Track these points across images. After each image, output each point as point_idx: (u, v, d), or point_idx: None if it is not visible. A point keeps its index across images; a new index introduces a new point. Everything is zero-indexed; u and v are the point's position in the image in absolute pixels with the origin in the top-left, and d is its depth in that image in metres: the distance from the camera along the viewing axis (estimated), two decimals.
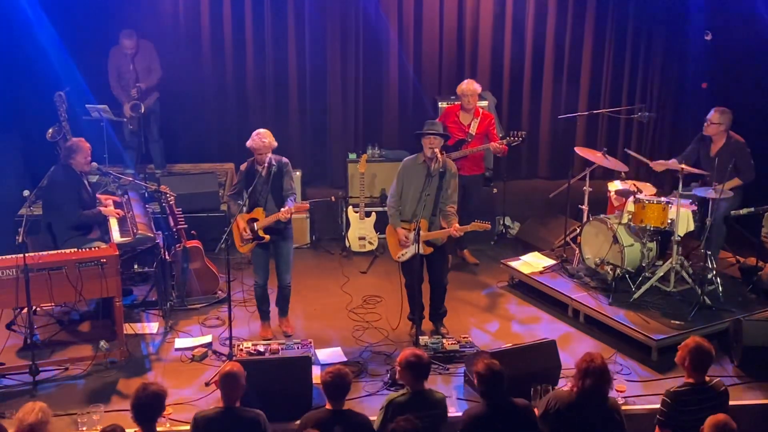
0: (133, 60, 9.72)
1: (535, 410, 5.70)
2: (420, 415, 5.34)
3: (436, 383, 6.86)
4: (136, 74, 9.72)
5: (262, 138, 7.28)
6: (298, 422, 5.72)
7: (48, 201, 7.82)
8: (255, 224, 7.39)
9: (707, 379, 5.71)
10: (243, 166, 7.49)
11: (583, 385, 5.41)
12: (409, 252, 7.40)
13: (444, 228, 7.40)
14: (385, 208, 7.95)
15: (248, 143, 7.35)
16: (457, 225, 7.31)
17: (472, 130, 8.82)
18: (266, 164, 7.34)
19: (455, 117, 8.90)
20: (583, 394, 5.42)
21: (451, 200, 7.45)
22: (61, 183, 7.69)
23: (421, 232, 7.27)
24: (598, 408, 5.47)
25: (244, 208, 7.40)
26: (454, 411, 6.42)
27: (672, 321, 7.57)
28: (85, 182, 7.92)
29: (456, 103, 9.16)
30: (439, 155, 7.34)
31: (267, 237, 7.40)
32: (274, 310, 7.85)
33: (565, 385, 6.72)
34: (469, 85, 8.83)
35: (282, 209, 7.29)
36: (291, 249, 7.67)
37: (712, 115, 8.35)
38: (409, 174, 7.50)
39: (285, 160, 7.50)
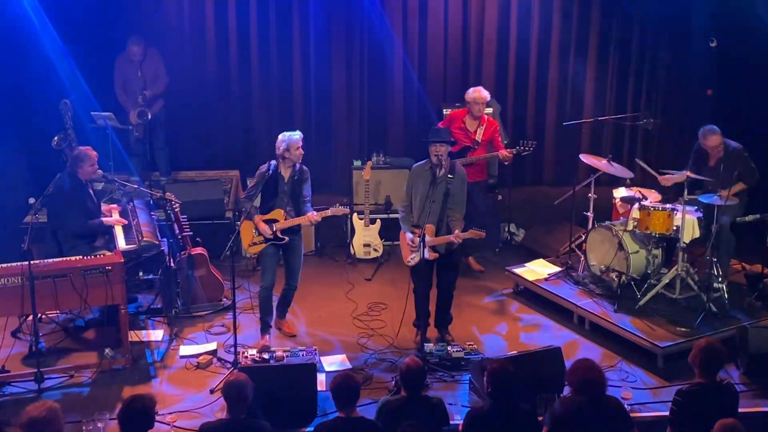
0: (141, 66, 9.74)
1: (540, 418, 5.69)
2: (416, 420, 5.36)
3: (441, 391, 6.86)
4: (143, 81, 9.73)
5: (293, 134, 7.43)
6: (303, 430, 5.71)
7: (53, 209, 7.82)
8: (275, 225, 7.45)
9: (718, 379, 5.72)
10: (263, 168, 7.54)
11: (576, 388, 5.46)
12: (416, 257, 7.42)
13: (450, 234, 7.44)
14: (390, 215, 7.96)
15: (282, 147, 7.41)
16: (459, 232, 7.32)
17: (478, 137, 8.81)
18: (291, 169, 7.46)
19: (461, 123, 8.89)
20: (581, 395, 5.45)
21: (459, 206, 7.46)
22: (66, 192, 7.70)
23: (428, 238, 7.30)
24: (599, 406, 5.47)
25: (257, 210, 7.51)
26: (459, 419, 6.41)
27: (678, 328, 7.55)
28: (91, 191, 7.93)
29: (462, 108, 9.14)
30: (444, 162, 7.37)
31: (286, 238, 7.50)
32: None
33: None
34: (479, 93, 8.80)
35: (312, 213, 7.47)
36: (302, 249, 7.80)
37: (712, 139, 8.27)
38: (417, 180, 7.53)
39: (305, 167, 7.59)
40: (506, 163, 9.03)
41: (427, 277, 7.47)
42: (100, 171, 7.96)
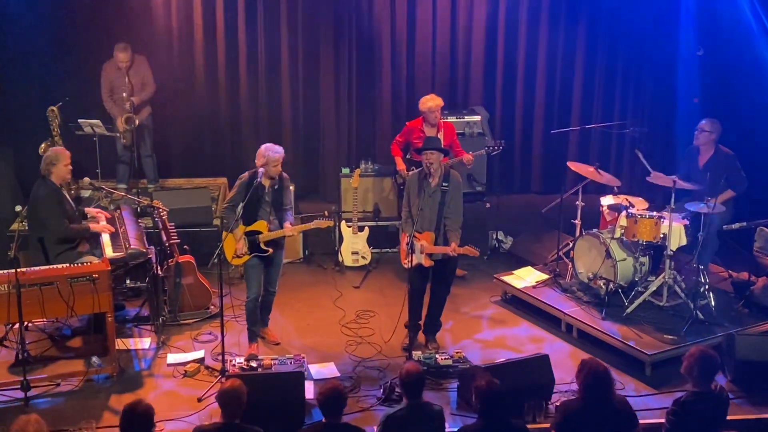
0: (128, 73, 9.71)
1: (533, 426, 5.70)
2: (420, 428, 5.35)
3: (429, 399, 6.85)
4: (130, 87, 9.70)
5: (275, 150, 7.33)
6: None
7: (33, 217, 7.68)
8: (258, 237, 7.41)
9: (713, 386, 5.74)
10: (244, 176, 7.47)
11: (586, 389, 5.44)
12: (413, 260, 7.44)
13: (449, 243, 7.43)
14: (378, 223, 7.93)
15: (261, 161, 7.31)
16: (455, 245, 7.32)
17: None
18: (272, 178, 7.39)
19: (420, 132, 8.82)
20: (589, 398, 5.44)
21: (455, 215, 7.46)
22: (42, 197, 7.52)
23: (425, 244, 7.37)
24: (607, 408, 5.47)
25: (240, 221, 7.40)
26: (447, 427, 6.41)
27: (665, 335, 7.57)
28: (66, 195, 7.81)
29: (417, 118, 9.06)
30: (435, 171, 7.41)
31: (270, 250, 7.45)
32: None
33: (559, 400, 6.72)
34: (436, 100, 8.77)
35: (287, 224, 7.42)
36: (283, 257, 7.78)
37: (704, 123, 8.41)
38: (413, 188, 7.58)
39: (285, 174, 7.56)
40: (468, 166, 9.02)
41: (422, 282, 7.56)
42: (86, 179, 7.92)
